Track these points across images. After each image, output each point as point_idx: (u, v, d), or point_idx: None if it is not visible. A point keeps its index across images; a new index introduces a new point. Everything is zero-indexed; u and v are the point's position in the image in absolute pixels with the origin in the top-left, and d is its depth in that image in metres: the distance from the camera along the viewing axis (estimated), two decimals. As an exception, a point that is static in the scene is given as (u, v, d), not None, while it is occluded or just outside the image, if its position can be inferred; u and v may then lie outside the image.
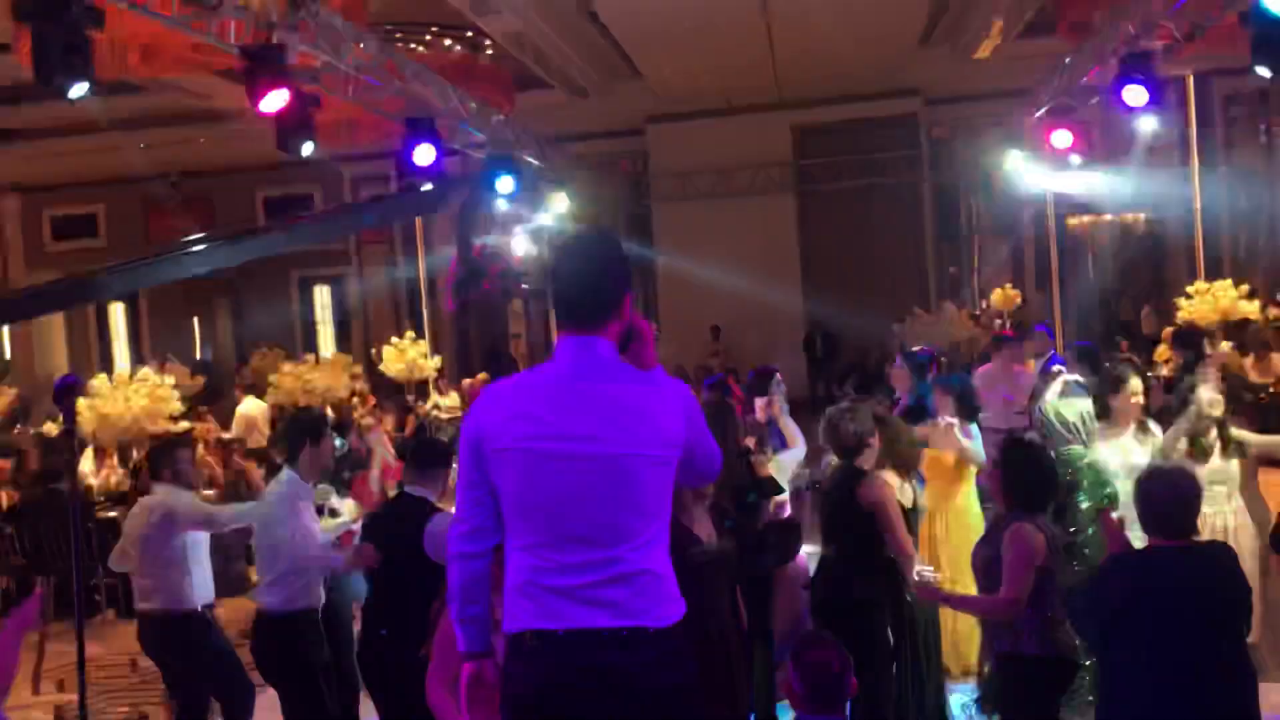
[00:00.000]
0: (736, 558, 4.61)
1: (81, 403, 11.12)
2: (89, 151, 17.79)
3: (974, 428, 6.34)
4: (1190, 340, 9.04)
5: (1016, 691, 4.25)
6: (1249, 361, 12.11)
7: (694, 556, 4.27)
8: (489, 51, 15.47)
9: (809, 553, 5.53)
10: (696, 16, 13.64)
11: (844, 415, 5.11)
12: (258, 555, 5.36)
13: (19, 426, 15.41)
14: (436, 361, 17.56)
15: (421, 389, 17.54)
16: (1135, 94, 9.12)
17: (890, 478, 5.13)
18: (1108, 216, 20.23)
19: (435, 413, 16.32)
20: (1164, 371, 10.79)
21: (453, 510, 3.04)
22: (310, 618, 5.24)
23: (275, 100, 7.44)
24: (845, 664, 3.51)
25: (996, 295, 21.26)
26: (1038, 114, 12.45)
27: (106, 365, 19.50)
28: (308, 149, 7.95)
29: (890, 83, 17.59)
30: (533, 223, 14.87)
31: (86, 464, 11.43)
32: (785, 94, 17.94)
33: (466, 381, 15.78)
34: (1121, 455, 5.39)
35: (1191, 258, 17.73)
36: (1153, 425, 5.70)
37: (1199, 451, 5.45)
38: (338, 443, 7.78)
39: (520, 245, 17.70)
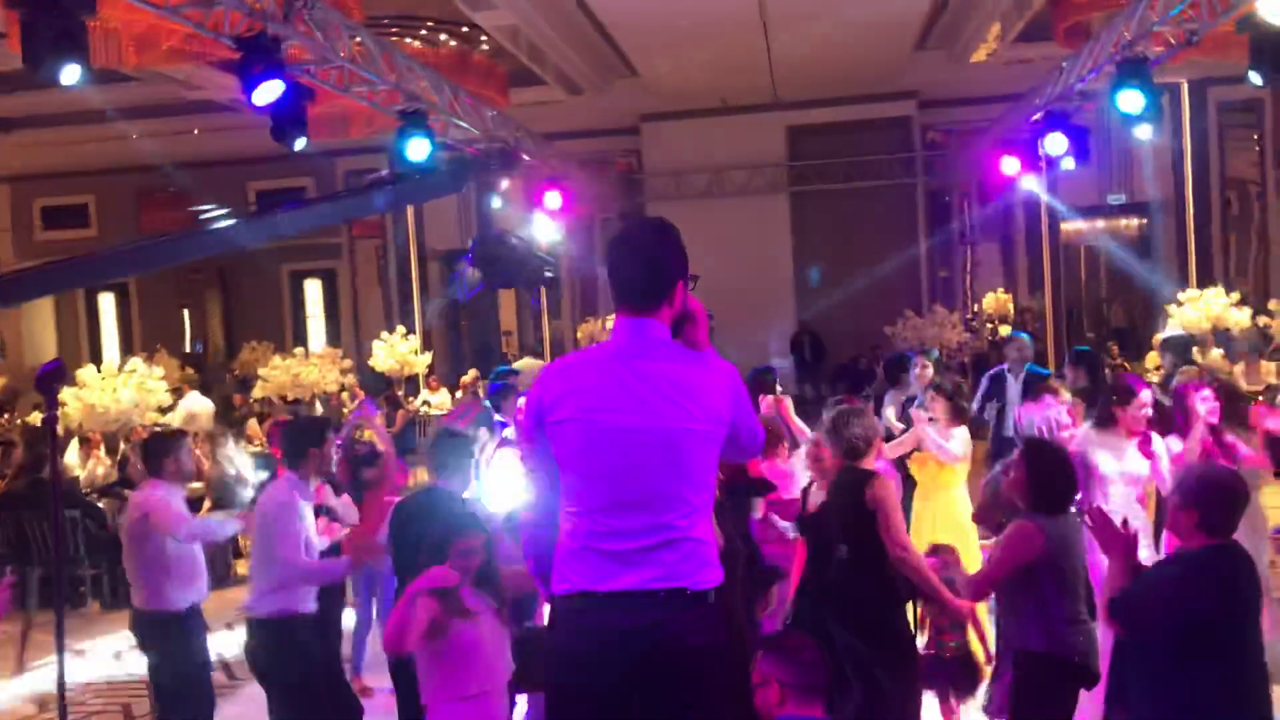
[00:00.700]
0: (746, 558, 4.60)
1: (69, 393, 11.09)
2: (80, 141, 17.73)
3: (963, 430, 6.33)
4: (1179, 347, 9.06)
5: (1023, 688, 4.27)
6: (1239, 369, 12.17)
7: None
8: (484, 47, 15.44)
9: None
10: (693, 15, 13.62)
11: (851, 416, 5.14)
12: (253, 559, 5.19)
13: (6, 416, 15.37)
14: (427, 358, 17.53)
15: (412, 385, 17.51)
16: (1130, 99, 9.13)
17: None
18: (1100, 222, 20.29)
19: (425, 409, 16.31)
20: (1154, 379, 10.82)
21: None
22: (305, 622, 5.15)
23: (269, 92, 7.40)
24: (821, 652, 3.55)
25: (988, 299, 21.34)
26: (1033, 118, 12.46)
27: (96, 356, 19.41)
28: (301, 143, 7.91)
29: (885, 85, 17.60)
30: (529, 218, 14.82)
31: (73, 455, 11.38)
32: (781, 95, 17.94)
33: (464, 380, 15.76)
34: (1120, 463, 5.36)
35: (1183, 264, 17.82)
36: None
37: None
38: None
39: (545, 232, 17.64)
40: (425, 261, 19.98)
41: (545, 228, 17.33)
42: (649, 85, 17.53)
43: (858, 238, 18.21)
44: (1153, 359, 12.92)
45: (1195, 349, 12.99)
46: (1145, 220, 20.56)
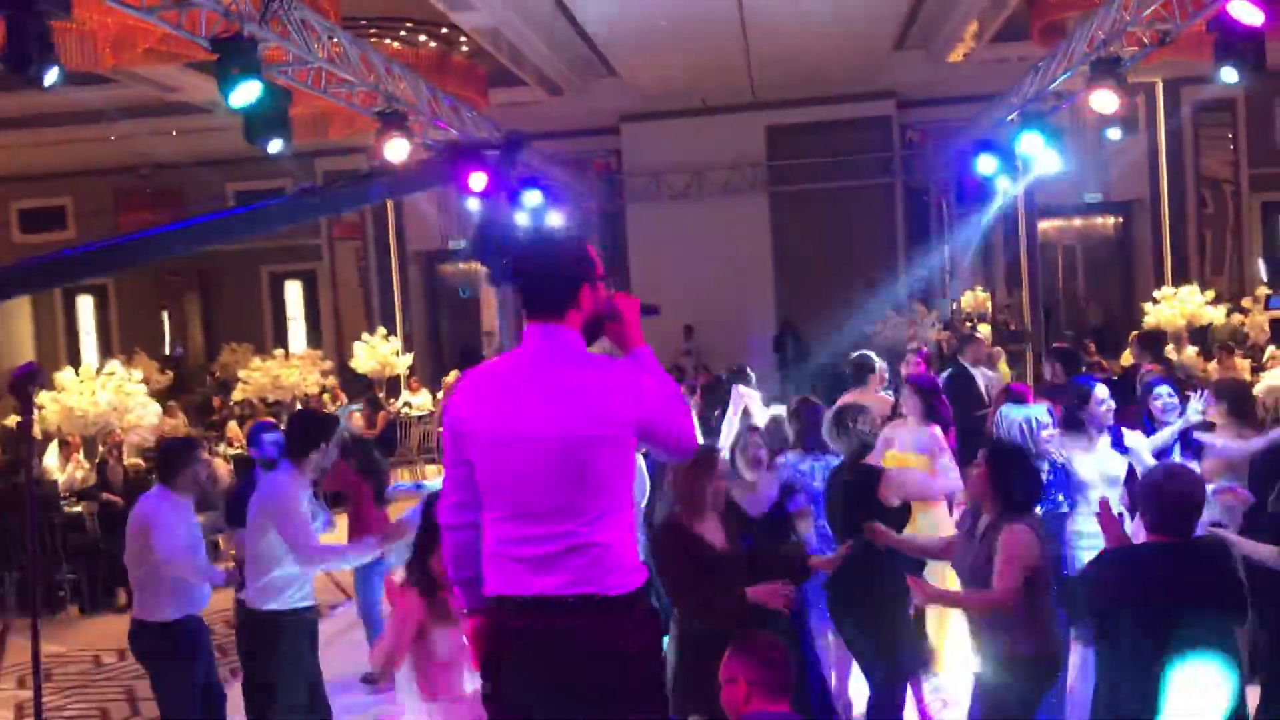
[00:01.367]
0: (749, 564, 4.59)
1: (47, 396, 11.04)
2: (58, 143, 17.64)
3: (937, 430, 6.36)
4: (1152, 343, 9.15)
5: (1013, 690, 4.30)
6: (1213, 365, 12.28)
7: (700, 559, 4.37)
8: (463, 48, 15.44)
9: None
10: (672, 16, 13.65)
11: (855, 414, 5.22)
12: (250, 556, 5.07)
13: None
14: (408, 359, 17.52)
15: (393, 386, 17.49)
16: (1104, 99, 9.20)
17: None
18: (1077, 221, 20.43)
19: (406, 410, 16.30)
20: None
21: None
22: (302, 620, 5.12)
23: (246, 93, 7.37)
24: (788, 650, 3.61)
25: (967, 297, 21.43)
26: (1009, 117, 12.54)
27: (74, 359, 19.30)
28: (277, 145, 7.86)
29: (864, 85, 17.68)
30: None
31: (53, 459, 11.33)
32: (760, 94, 18.00)
33: (447, 380, 15.77)
34: (1097, 465, 5.40)
35: (1159, 262, 17.97)
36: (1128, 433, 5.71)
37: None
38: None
39: (556, 220, 17.51)
40: (406, 263, 19.96)
41: (552, 219, 17.19)
42: (628, 86, 17.57)
43: (837, 237, 18.26)
44: (1127, 356, 13.02)
45: (1171, 345, 13.11)
46: (1121, 219, 20.72)
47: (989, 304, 20.31)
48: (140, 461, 11.31)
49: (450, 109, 11.41)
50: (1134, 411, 5.68)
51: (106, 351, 20.66)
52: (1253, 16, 7.35)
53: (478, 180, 10.70)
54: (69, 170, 19.82)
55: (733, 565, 4.46)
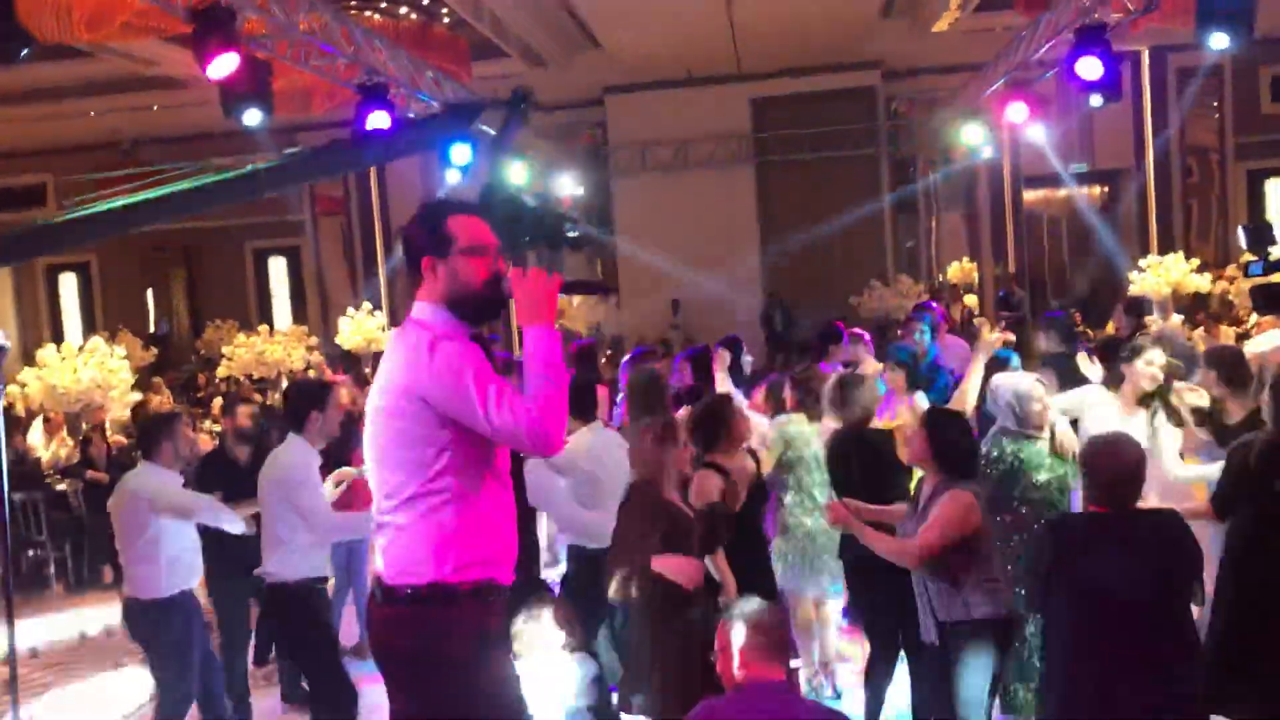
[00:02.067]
0: (714, 527, 4.63)
1: (29, 373, 10.98)
2: (37, 119, 17.45)
3: (920, 396, 6.39)
4: (1136, 309, 9.16)
5: (971, 656, 4.30)
6: (1199, 333, 12.31)
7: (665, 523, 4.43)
8: (445, 19, 15.30)
9: None
10: (655, -14, 13.55)
11: (855, 384, 5.26)
12: (267, 528, 5.06)
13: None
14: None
15: (379, 361, 17.44)
16: (1089, 67, 9.16)
17: None
18: (1063, 191, 20.43)
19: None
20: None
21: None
22: (322, 587, 5.17)
23: (224, 65, 7.28)
24: (780, 614, 3.60)
25: (953, 268, 21.45)
26: (994, 87, 12.51)
27: (57, 337, 19.18)
28: (254, 116, 7.79)
29: (849, 55, 17.59)
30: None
31: (37, 436, 11.28)
32: (744, 66, 17.89)
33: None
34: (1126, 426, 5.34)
35: (1144, 231, 17.99)
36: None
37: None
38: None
39: (566, 187, 17.27)
40: (390, 237, 19.85)
41: (563, 183, 16.94)
42: (612, 57, 17.45)
43: (823, 208, 18.21)
44: (1112, 326, 13.05)
45: (1155, 313, 13.14)
46: (1107, 188, 20.73)
47: (975, 274, 20.33)
48: (123, 439, 11.26)
49: (432, 81, 11.32)
50: (1120, 378, 5.63)
51: (90, 329, 20.54)
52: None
53: (461, 153, 10.63)
54: (49, 148, 19.62)
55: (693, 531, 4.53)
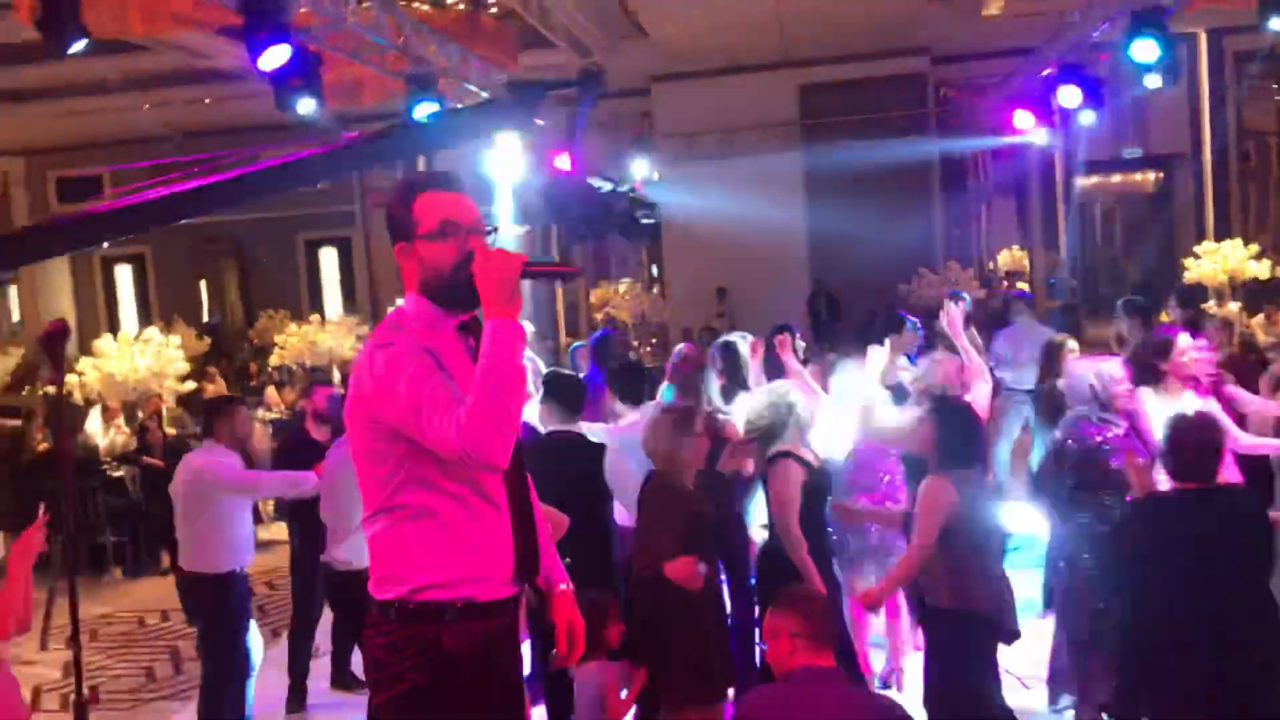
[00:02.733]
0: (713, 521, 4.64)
1: (87, 363, 11.19)
2: (93, 113, 17.73)
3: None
4: (1189, 298, 9.00)
5: (934, 646, 4.32)
6: (1258, 321, 12.08)
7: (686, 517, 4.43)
8: (492, 9, 15.34)
9: None
10: (702, -27, 13.49)
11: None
12: (331, 514, 5.30)
13: (27, 389, 15.49)
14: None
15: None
16: (1145, 49, 9.01)
17: None
18: (1116, 176, 20.11)
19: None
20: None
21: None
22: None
23: (275, 57, 7.36)
24: (830, 602, 3.69)
25: (1004, 256, 21.21)
26: (1046, 71, 12.32)
27: (113, 327, 19.52)
28: (306, 106, 7.87)
29: (897, 41, 17.41)
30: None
31: (95, 424, 11.49)
32: (791, 53, 17.77)
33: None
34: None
35: (1201, 217, 17.66)
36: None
37: None
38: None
39: (640, 170, 16.85)
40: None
41: (639, 167, 16.50)
42: (659, 46, 17.40)
43: (871, 196, 18.07)
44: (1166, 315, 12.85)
45: (1212, 301, 12.92)
46: (1161, 174, 20.37)
47: (1026, 262, 20.10)
48: (173, 430, 11.45)
49: (480, 71, 11.37)
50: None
51: (146, 319, 20.88)
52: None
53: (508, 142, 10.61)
54: (104, 140, 19.94)
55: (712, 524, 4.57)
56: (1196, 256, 14.36)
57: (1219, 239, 15.18)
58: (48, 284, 22.20)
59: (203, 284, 23.60)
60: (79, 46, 6.11)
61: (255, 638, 5.70)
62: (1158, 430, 4.98)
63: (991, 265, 19.72)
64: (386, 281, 21.25)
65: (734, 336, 6.56)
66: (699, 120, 18.46)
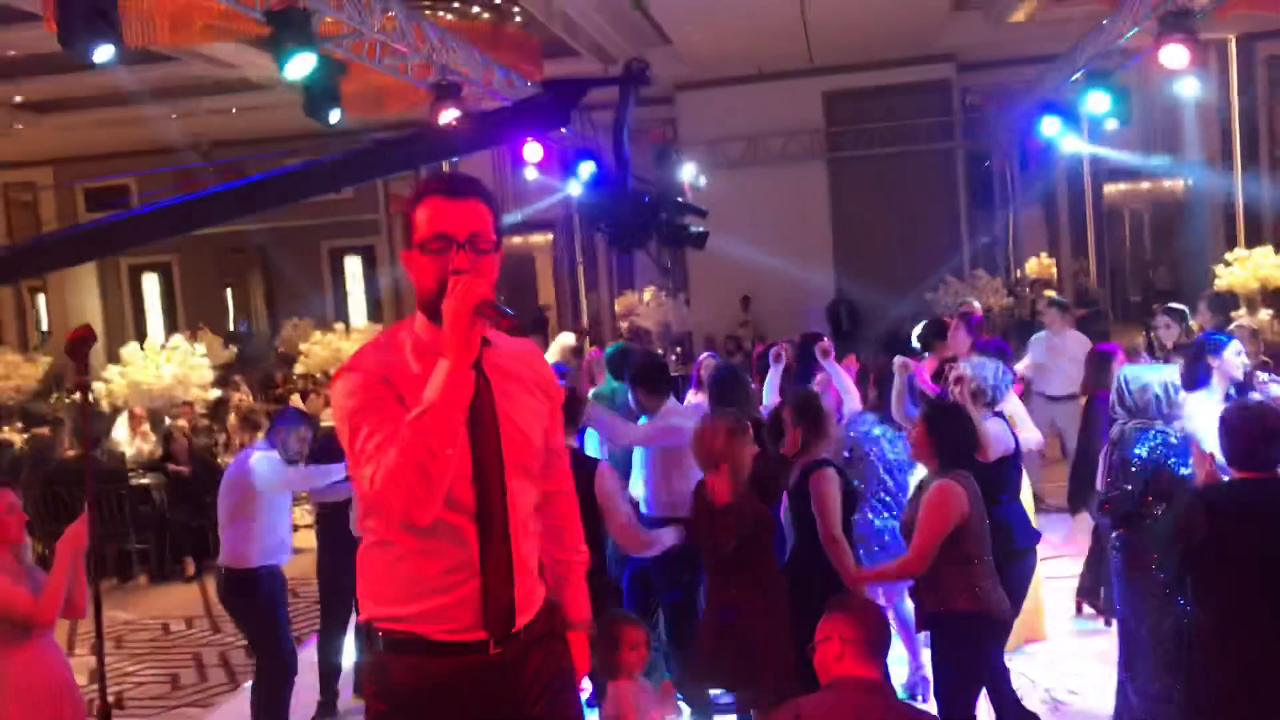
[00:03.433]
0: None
1: (113, 370, 11.26)
2: (121, 122, 17.89)
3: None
4: (1221, 304, 8.91)
5: (947, 649, 4.29)
6: (1288, 328, 11.94)
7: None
8: (517, 18, 15.37)
9: None
10: (726, -19, 13.46)
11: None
12: None
13: (55, 396, 15.62)
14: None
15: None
16: (1174, 55, 8.90)
17: None
18: (1145, 184, 19.94)
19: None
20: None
21: None
22: None
23: (301, 66, 7.39)
24: (883, 613, 3.66)
25: (1031, 264, 21.06)
26: (1073, 78, 12.23)
27: (140, 335, 19.66)
28: (335, 116, 7.92)
29: (923, 48, 17.33)
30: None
31: (121, 431, 11.55)
32: (817, 60, 17.72)
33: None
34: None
35: (1231, 224, 17.48)
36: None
37: None
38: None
39: (688, 173, 16.66)
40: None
41: (687, 169, 16.40)
42: (683, 54, 17.39)
43: (897, 203, 17.98)
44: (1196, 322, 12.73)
45: (1243, 308, 12.78)
46: (1191, 180, 20.18)
47: (1054, 270, 19.94)
48: (194, 438, 11.50)
49: (504, 80, 11.38)
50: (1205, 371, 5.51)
51: (172, 327, 21.02)
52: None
53: (533, 152, 10.60)
54: (132, 150, 20.10)
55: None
56: (1227, 264, 14.21)
57: (1250, 246, 15.03)
58: (76, 292, 22.41)
59: (229, 292, 23.75)
60: (107, 54, 6.12)
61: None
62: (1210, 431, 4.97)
63: (1019, 273, 19.55)
64: (411, 290, 21.30)
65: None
66: (723, 128, 18.42)
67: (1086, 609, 6.76)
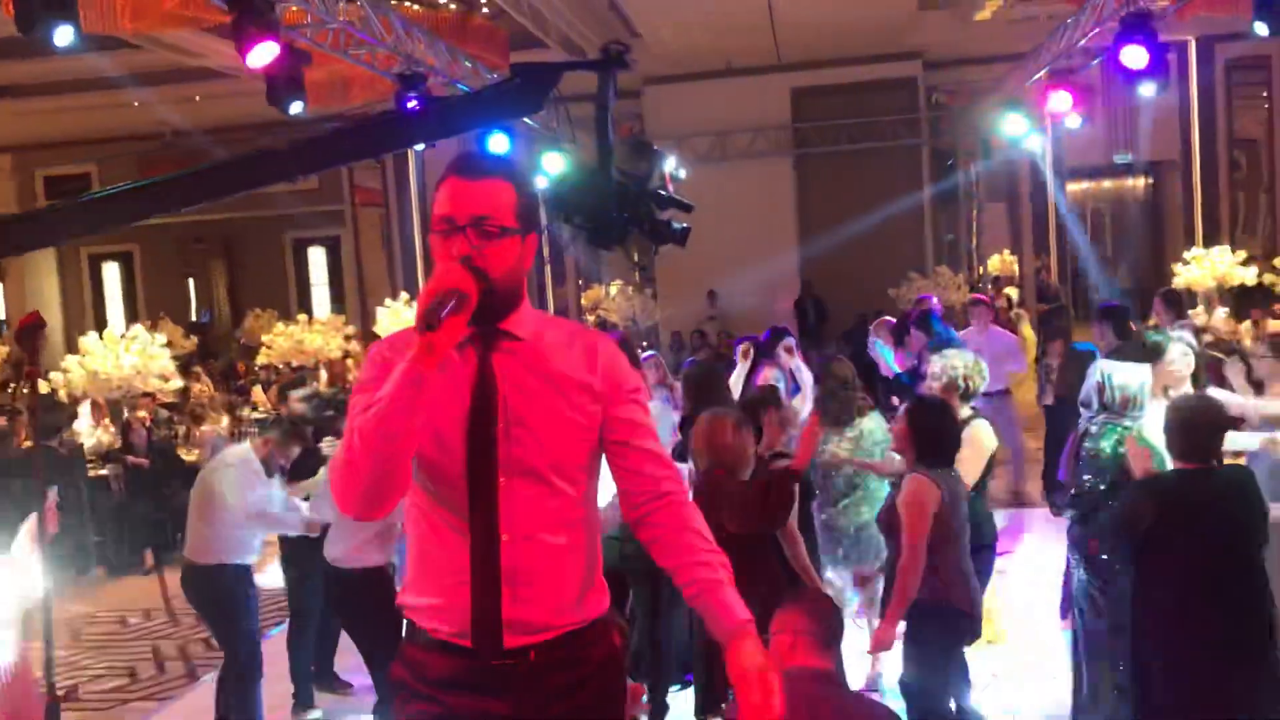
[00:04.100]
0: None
1: (72, 360, 11.12)
2: (81, 109, 17.67)
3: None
4: (1174, 301, 9.04)
5: (913, 641, 4.35)
6: (1245, 326, 12.13)
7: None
8: (484, 9, 15.31)
9: None
10: (694, -25, 13.47)
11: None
12: (335, 519, 5.37)
13: (13, 387, 15.41)
14: (432, 323, 17.48)
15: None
16: (1134, 56, 8.99)
17: None
18: (1106, 182, 20.17)
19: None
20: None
21: None
22: (386, 575, 5.39)
23: (263, 54, 7.31)
24: (837, 607, 3.74)
25: (994, 261, 21.26)
26: (1037, 77, 12.34)
27: (100, 326, 19.43)
28: (297, 106, 7.84)
29: (890, 46, 17.43)
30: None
31: (83, 422, 11.42)
32: (784, 56, 17.77)
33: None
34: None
35: (1190, 223, 17.72)
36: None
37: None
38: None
39: (670, 165, 16.85)
40: (429, 228, 19.90)
41: (667, 160, 16.55)
42: (651, 48, 17.39)
43: (862, 199, 18.07)
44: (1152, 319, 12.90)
45: (1200, 306, 12.96)
46: (1152, 180, 20.45)
47: (1016, 267, 20.12)
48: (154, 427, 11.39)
49: (471, 71, 11.33)
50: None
51: (133, 317, 20.79)
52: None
53: (499, 143, 10.55)
54: (93, 137, 19.86)
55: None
56: (1185, 262, 14.41)
57: (1208, 245, 15.25)
58: (35, 281, 22.11)
59: (190, 282, 23.51)
60: (67, 37, 6.04)
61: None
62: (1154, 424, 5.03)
63: (981, 270, 19.72)
64: (375, 281, 21.21)
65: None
66: (691, 123, 18.43)
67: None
